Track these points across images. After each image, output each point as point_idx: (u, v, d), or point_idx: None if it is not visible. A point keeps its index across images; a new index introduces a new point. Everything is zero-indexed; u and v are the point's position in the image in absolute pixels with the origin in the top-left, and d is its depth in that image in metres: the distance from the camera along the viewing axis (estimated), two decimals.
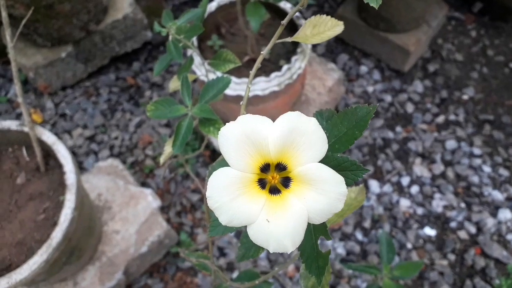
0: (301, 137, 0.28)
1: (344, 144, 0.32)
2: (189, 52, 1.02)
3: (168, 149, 0.59)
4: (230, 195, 0.28)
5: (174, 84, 0.73)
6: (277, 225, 0.28)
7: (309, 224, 0.30)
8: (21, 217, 1.06)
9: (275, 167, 0.30)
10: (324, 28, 0.39)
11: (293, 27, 1.17)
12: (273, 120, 0.30)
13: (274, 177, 0.30)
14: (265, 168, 0.30)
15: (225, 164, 0.29)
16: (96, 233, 1.20)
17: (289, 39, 0.39)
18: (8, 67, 1.66)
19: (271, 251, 0.29)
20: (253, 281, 0.45)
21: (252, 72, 0.37)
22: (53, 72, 1.52)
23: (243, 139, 0.28)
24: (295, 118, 0.28)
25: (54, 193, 1.07)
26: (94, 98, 1.59)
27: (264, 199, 0.29)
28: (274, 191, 0.30)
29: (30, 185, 1.09)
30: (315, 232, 0.32)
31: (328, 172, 0.28)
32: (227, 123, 0.29)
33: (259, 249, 0.38)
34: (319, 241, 0.35)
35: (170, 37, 0.63)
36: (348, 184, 0.30)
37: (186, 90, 0.56)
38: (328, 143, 0.32)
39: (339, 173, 0.30)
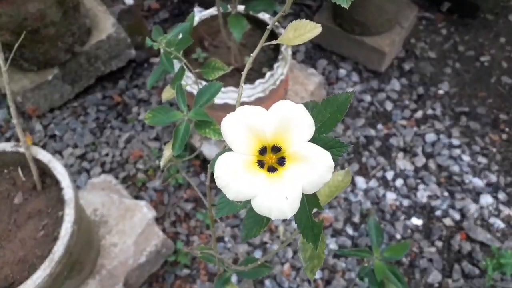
0: (291, 122, 0.33)
1: (329, 127, 0.37)
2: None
3: (167, 153, 0.63)
4: (235, 174, 0.33)
5: (166, 94, 0.77)
6: (276, 196, 0.33)
7: (303, 198, 0.35)
8: (21, 236, 1.08)
9: (271, 149, 0.35)
10: (304, 30, 0.44)
11: (273, 37, 1.23)
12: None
13: (271, 158, 0.34)
14: (262, 150, 0.35)
15: (227, 151, 0.34)
16: (95, 247, 1.22)
17: (274, 42, 0.44)
18: None
19: (273, 218, 0.33)
20: (255, 263, 0.50)
21: (244, 72, 0.42)
22: (41, 95, 1.55)
23: (243, 127, 0.33)
24: (285, 106, 0.33)
25: (52, 210, 1.10)
26: (82, 117, 1.62)
27: (264, 176, 0.34)
28: (271, 169, 0.34)
29: (28, 204, 1.12)
30: (309, 205, 0.37)
31: (317, 149, 0.33)
32: (228, 114, 0.33)
33: (260, 228, 0.42)
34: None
35: (162, 51, 0.68)
36: (334, 160, 0.35)
37: (181, 97, 0.60)
38: (315, 127, 0.38)
39: None
